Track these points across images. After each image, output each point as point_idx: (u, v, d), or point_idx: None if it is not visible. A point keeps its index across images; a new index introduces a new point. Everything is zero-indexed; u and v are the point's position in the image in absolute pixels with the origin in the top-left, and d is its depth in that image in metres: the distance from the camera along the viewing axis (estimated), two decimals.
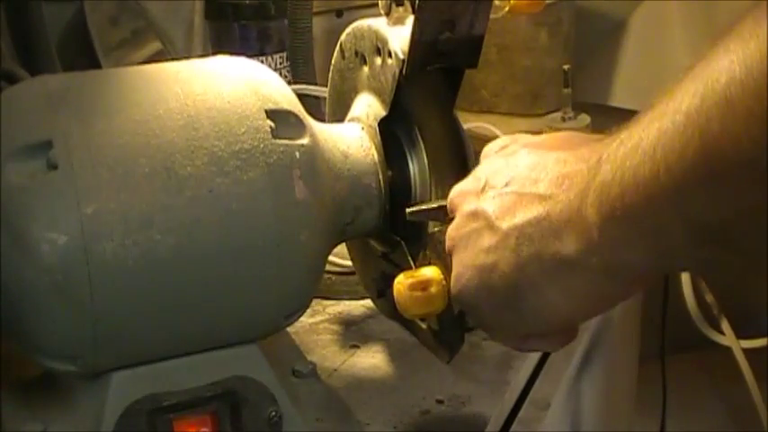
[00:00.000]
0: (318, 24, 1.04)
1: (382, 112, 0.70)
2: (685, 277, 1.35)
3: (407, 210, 0.67)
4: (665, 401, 1.37)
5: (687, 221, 0.44)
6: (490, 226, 0.55)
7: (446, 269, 0.63)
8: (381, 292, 0.76)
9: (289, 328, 0.72)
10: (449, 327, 0.66)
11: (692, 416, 1.47)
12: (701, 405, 1.51)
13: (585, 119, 1.15)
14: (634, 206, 0.46)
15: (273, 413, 0.64)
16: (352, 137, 0.71)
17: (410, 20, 0.66)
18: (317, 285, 0.66)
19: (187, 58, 0.76)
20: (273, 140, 0.61)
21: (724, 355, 1.37)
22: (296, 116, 0.64)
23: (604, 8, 1.37)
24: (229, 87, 0.62)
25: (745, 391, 1.39)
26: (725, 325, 1.34)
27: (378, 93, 0.71)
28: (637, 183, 0.45)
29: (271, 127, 0.61)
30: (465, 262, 0.57)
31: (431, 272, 0.63)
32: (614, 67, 1.38)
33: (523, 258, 0.52)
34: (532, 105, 1.28)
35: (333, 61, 0.78)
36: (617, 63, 1.38)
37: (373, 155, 0.70)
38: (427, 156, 0.70)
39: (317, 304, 0.85)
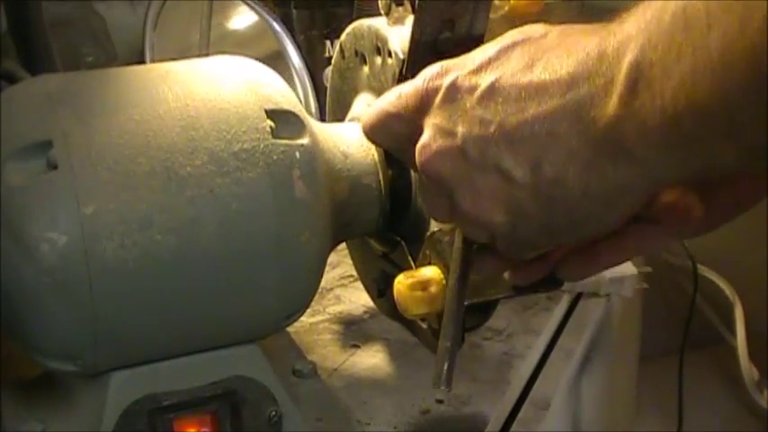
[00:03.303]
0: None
1: None
2: (742, 348, 1.38)
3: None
4: (681, 398, 1.37)
5: None
6: None
7: (446, 269, 0.63)
8: (381, 291, 0.76)
9: (289, 328, 0.72)
10: None
11: (709, 413, 1.48)
12: (716, 403, 1.52)
13: None
14: None
15: (273, 413, 0.64)
16: (352, 137, 0.71)
17: (410, 19, 0.66)
18: (318, 285, 0.66)
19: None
20: (273, 140, 0.61)
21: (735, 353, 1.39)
22: (296, 116, 0.64)
23: (611, 6, 1.37)
24: (229, 87, 0.62)
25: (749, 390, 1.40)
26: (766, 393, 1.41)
27: (378, 92, 0.71)
28: None
29: (271, 127, 0.61)
30: None
31: (431, 272, 0.63)
32: None
33: None
34: None
35: (332, 61, 0.78)
36: None
37: (373, 155, 0.70)
38: None
39: (316, 304, 0.85)
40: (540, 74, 0.47)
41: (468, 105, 0.49)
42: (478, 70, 0.50)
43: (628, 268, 0.91)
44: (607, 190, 0.46)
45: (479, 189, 0.50)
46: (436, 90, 0.52)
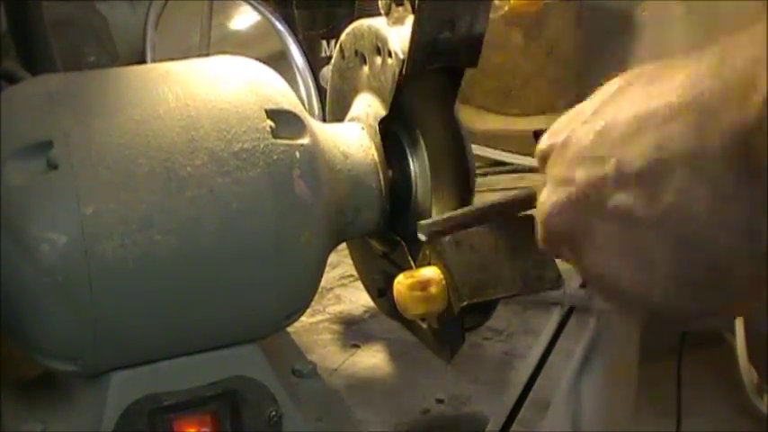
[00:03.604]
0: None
1: (382, 112, 0.70)
2: (741, 349, 1.39)
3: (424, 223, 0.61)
4: (680, 399, 1.37)
5: None
6: None
7: (446, 269, 0.63)
8: (382, 291, 0.76)
9: (289, 328, 0.72)
10: (449, 326, 0.66)
11: (707, 414, 1.48)
12: (715, 404, 1.52)
13: None
14: None
15: (273, 413, 0.64)
16: (352, 137, 0.71)
17: (410, 19, 0.66)
18: (318, 285, 0.66)
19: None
20: (274, 140, 0.61)
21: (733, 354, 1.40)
22: (296, 116, 0.64)
23: (609, 6, 1.38)
24: (230, 87, 0.62)
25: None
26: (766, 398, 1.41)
27: (378, 92, 0.71)
28: None
29: (271, 127, 0.61)
30: None
31: (431, 272, 0.63)
32: (622, 67, 1.39)
33: None
34: (505, 104, 1.29)
35: (332, 61, 0.78)
36: (624, 62, 1.38)
37: (373, 155, 0.70)
38: (428, 155, 0.70)
39: (316, 304, 0.85)
40: (654, 101, 0.43)
41: (582, 148, 0.45)
42: (592, 117, 0.46)
43: None
44: (744, 214, 0.40)
45: (600, 242, 0.45)
46: (552, 148, 0.48)
